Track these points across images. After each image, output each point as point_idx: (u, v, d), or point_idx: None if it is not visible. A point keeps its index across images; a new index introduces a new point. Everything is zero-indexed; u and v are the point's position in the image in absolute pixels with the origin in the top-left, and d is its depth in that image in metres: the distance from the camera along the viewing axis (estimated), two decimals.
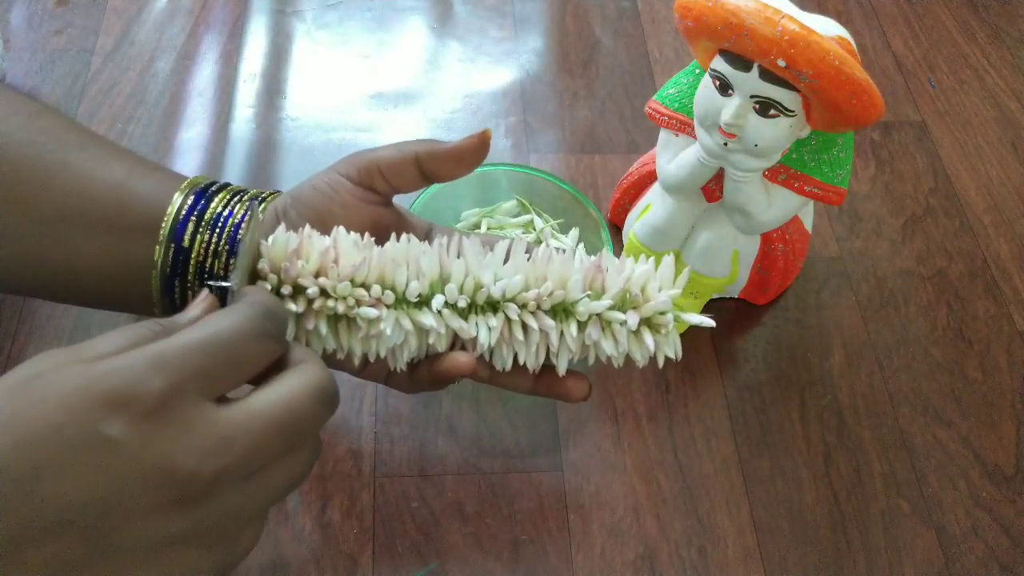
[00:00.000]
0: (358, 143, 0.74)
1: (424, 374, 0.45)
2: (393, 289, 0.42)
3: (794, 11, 0.47)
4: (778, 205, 0.56)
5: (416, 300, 0.42)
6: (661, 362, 0.44)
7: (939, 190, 0.74)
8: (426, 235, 0.49)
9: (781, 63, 0.46)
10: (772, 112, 0.49)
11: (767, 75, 0.48)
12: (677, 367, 0.62)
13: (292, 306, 0.40)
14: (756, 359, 0.63)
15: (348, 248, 0.41)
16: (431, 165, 0.45)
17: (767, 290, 0.64)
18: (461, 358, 0.43)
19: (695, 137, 0.55)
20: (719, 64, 0.50)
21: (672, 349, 0.43)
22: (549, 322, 0.42)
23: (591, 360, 0.44)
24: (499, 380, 0.47)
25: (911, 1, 0.90)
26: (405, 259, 0.42)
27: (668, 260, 0.43)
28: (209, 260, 0.44)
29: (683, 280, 0.43)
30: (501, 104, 0.78)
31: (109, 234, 0.44)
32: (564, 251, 0.44)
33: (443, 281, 0.43)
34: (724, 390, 0.61)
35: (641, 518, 0.55)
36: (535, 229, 0.65)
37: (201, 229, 0.44)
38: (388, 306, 0.41)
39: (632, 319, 0.42)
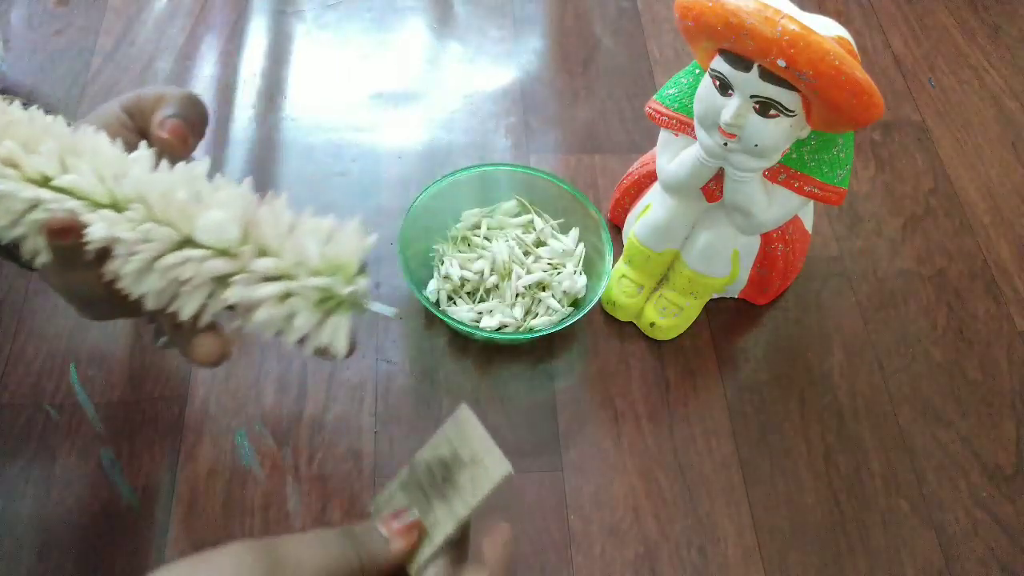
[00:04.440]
0: (358, 143, 0.74)
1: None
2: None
3: (794, 11, 0.47)
4: (778, 205, 0.56)
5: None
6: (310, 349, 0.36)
7: (939, 190, 0.74)
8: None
9: (781, 63, 0.46)
10: (772, 112, 0.49)
11: (767, 75, 0.48)
12: (677, 367, 0.62)
13: None
14: (756, 359, 0.63)
15: None
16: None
17: (767, 290, 0.64)
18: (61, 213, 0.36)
19: (695, 137, 0.55)
20: (719, 64, 0.50)
21: (342, 337, 0.35)
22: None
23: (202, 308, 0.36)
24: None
25: (911, 1, 0.90)
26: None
27: (353, 225, 0.35)
28: None
29: (367, 245, 0.35)
30: (501, 104, 0.78)
31: None
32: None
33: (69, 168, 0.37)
34: (724, 390, 0.61)
35: (641, 518, 0.55)
36: (535, 229, 0.65)
37: None
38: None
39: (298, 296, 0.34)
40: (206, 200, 0.36)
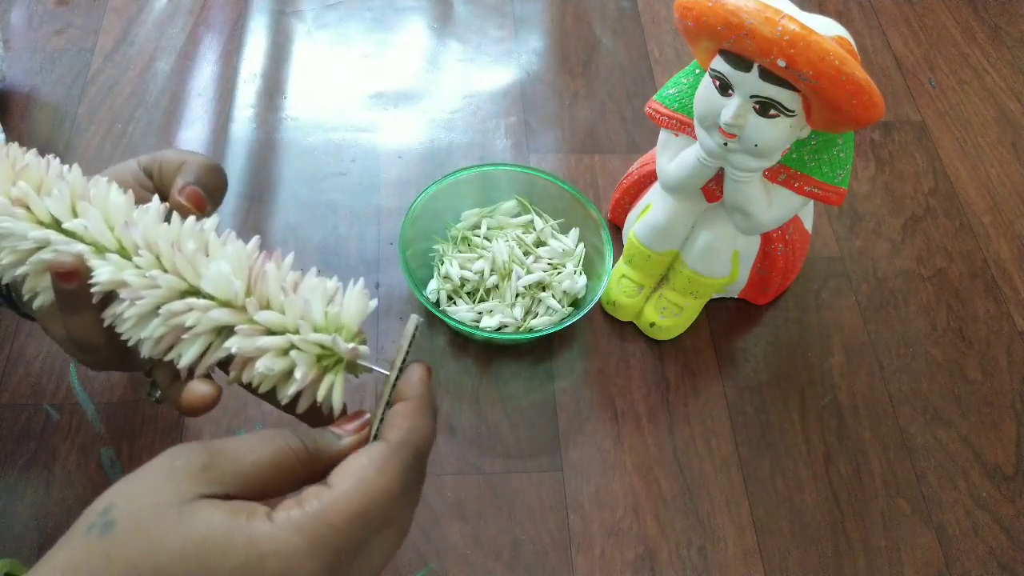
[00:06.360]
0: (358, 143, 0.74)
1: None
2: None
3: (794, 11, 0.47)
4: (778, 205, 0.56)
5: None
6: (305, 404, 0.36)
7: (939, 190, 0.74)
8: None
9: (781, 63, 0.46)
10: (772, 112, 0.49)
11: (767, 75, 0.48)
12: (677, 367, 0.62)
13: None
14: (756, 359, 0.63)
15: None
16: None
17: (767, 290, 0.64)
18: None
19: (695, 137, 0.55)
20: (719, 64, 0.50)
21: (336, 396, 0.35)
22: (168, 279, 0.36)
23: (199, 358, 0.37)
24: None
25: (911, 1, 0.90)
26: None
27: (358, 288, 0.36)
28: None
29: (364, 311, 0.36)
30: (501, 104, 0.78)
31: None
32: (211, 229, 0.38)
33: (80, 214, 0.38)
34: (724, 390, 0.61)
35: (641, 518, 0.55)
36: (535, 229, 0.65)
37: None
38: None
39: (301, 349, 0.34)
40: (213, 253, 0.37)
